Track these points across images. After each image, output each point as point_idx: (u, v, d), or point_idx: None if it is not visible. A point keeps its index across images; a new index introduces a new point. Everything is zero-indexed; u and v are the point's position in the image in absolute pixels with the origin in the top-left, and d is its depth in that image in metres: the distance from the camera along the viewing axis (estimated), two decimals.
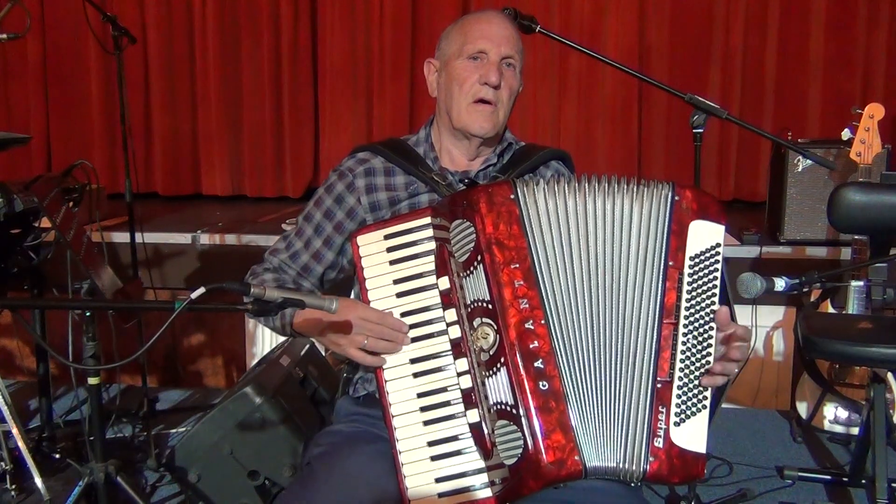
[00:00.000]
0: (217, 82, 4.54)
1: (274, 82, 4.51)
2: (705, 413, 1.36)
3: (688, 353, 1.37)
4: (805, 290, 2.26)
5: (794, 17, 4.11)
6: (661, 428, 1.33)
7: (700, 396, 1.37)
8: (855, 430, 2.86)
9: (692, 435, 1.34)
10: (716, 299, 1.40)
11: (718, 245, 1.41)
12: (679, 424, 1.34)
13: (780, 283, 1.76)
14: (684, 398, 1.36)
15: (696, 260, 1.40)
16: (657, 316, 1.37)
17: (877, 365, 2.37)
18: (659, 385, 1.35)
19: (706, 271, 1.40)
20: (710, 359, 1.38)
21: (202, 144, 4.64)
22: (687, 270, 1.39)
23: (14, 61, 4.69)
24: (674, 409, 1.35)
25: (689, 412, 1.35)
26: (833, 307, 2.86)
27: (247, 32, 4.51)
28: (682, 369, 1.36)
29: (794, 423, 3.12)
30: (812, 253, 3.30)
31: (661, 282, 1.38)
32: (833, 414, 2.94)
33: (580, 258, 1.39)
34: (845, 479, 2.69)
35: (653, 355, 1.36)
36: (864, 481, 2.55)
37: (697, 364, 1.38)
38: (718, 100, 3.13)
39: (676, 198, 1.42)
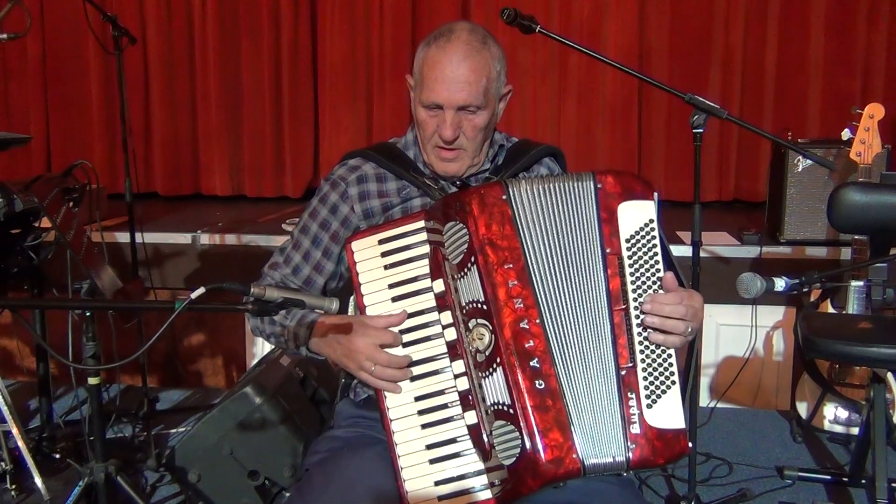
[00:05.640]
0: (217, 82, 4.54)
1: (274, 82, 4.51)
2: (676, 389, 1.37)
3: (645, 334, 1.38)
4: (805, 290, 2.26)
5: (794, 17, 4.10)
6: (633, 414, 1.34)
7: (667, 374, 1.37)
8: (855, 430, 2.86)
9: (667, 413, 1.35)
10: (660, 275, 1.40)
11: (652, 221, 1.42)
12: (651, 406, 1.35)
13: (780, 283, 1.76)
14: (651, 379, 1.37)
15: (633, 241, 1.41)
16: (606, 305, 1.38)
17: (877, 365, 2.37)
18: (623, 372, 1.36)
19: (645, 248, 1.41)
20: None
21: (202, 144, 4.64)
22: (626, 254, 1.40)
23: (14, 61, 4.69)
24: (643, 392, 1.35)
25: (658, 392, 1.36)
26: (833, 307, 2.86)
27: (247, 32, 4.51)
28: (642, 351, 1.38)
29: (794, 423, 3.12)
30: (812, 253, 3.30)
31: (602, 270, 1.39)
32: (833, 414, 2.94)
33: (559, 256, 1.40)
34: (845, 479, 2.69)
35: (611, 344, 1.37)
36: (864, 481, 2.55)
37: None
38: (718, 100, 3.13)
39: (599, 185, 1.43)
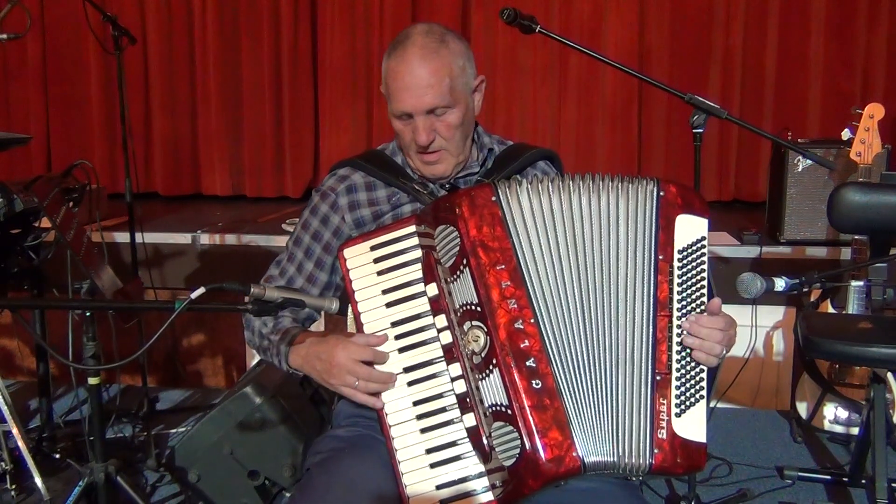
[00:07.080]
0: (217, 82, 4.54)
1: (274, 82, 4.52)
2: (703, 403, 1.37)
3: (683, 345, 1.39)
4: (805, 290, 2.26)
5: (794, 17, 4.11)
6: (663, 420, 1.33)
7: (698, 387, 1.38)
8: (855, 430, 2.86)
9: (693, 425, 1.35)
10: (704, 290, 1.41)
11: (704, 238, 1.43)
12: (680, 416, 1.35)
13: (780, 283, 1.76)
14: (683, 389, 1.37)
15: (685, 253, 1.41)
16: (652, 309, 1.38)
17: (877, 365, 2.37)
18: (658, 377, 1.36)
19: (694, 264, 1.41)
20: None
21: (202, 144, 4.65)
22: (676, 264, 1.40)
23: (14, 61, 4.69)
24: (674, 401, 1.35)
25: (688, 403, 1.36)
26: (833, 307, 2.86)
27: (247, 33, 4.51)
28: (678, 360, 1.38)
29: (794, 423, 3.12)
30: (812, 253, 3.30)
31: (652, 276, 1.39)
32: (833, 414, 2.94)
33: (568, 256, 1.40)
34: (845, 479, 2.69)
35: (650, 348, 1.37)
36: (864, 481, 2.55)
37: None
38: (718, 100, 3.13)
39: (662, 193, 1.43)
